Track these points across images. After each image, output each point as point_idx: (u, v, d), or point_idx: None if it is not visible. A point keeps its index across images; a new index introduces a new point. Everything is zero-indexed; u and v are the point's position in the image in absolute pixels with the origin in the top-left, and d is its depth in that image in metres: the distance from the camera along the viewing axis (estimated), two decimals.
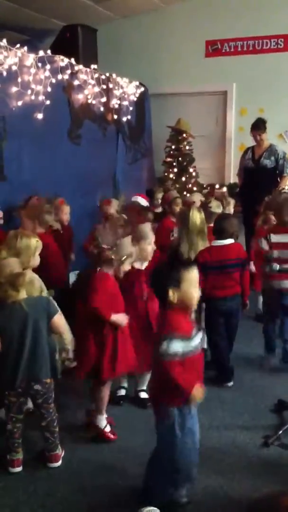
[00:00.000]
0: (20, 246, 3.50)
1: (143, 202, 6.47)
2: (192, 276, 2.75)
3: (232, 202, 6.42)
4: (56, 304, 3.33)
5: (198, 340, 2.78)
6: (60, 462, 3.33)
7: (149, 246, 3.99)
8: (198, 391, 2.71)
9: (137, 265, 3.92)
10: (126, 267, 3.60)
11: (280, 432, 3.63)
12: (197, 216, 4.62)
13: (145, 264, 4.01)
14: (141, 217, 5.12)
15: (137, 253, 3.80)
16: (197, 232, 4.61)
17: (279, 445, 3.54)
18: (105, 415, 3.65)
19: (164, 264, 3.01)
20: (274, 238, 4.71)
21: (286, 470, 3.28)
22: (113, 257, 3.47)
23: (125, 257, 3.54)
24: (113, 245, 3.48)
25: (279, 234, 4.71)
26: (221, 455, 3.44)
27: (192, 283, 2.73)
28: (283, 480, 3.13)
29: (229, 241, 4.48)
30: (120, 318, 3.51)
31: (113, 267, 3.53)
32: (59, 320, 3.25)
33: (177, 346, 2.65)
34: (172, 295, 2.70)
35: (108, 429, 3.64)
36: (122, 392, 4.21)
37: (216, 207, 5.53)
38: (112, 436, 3.62)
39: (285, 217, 4.76)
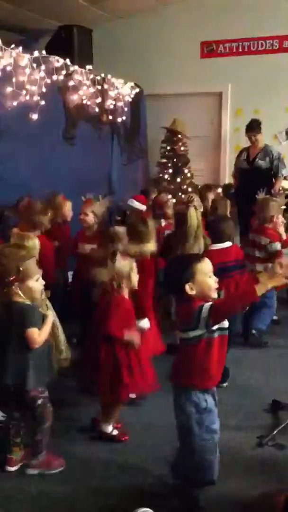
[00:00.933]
0: (29, 246, 3.50)
1: (138, 205, 6.43)
2: (205, 265, 2.73)
3: (228, 203, 6.42)
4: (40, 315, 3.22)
5: (224, 324, 2.75)
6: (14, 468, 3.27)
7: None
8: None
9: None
10: (134, 279, 3.55)
11: (275, 432, 3.62)
12: (194, 217, 4.61)
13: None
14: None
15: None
16: (194, 232, 4.61)
17: (273, 445, 3.53)
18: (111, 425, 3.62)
19: (172, 261, 2.98)
20: None
21: (281, 470, 3.27)
22: (120, 283, 3.44)
23: (128, 274, 3.51)
24: (111, 274, 3.44)
25: None
26: None
27: (206, 273, 2.71)
28: (278, 480, 3.13)
29: (228, 244, 4.47)
30: (134, 337, 3.43)
31: (126, 288, 3.48)
32: (32, 334, 3.05)
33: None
34: (190, 289, 2.67)
35: (115, 432, 3.61)
36: None
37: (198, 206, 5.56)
38: (122, 438, 3.57)
39: None
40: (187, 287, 2.66)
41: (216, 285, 2.74)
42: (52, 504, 2.97)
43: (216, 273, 4.25)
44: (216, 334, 2.71)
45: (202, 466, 2.79)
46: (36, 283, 3.08)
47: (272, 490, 2.97)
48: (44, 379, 3.14)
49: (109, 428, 3.59)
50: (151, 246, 4.13)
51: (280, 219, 5.61)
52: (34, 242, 3.62)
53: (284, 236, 5.49)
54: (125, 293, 3.47)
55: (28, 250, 3.14)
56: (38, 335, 3.02)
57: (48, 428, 3.22)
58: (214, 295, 2.75)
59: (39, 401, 3.15)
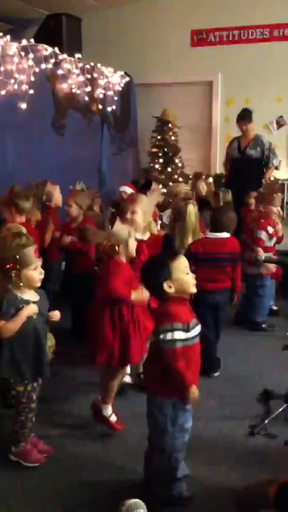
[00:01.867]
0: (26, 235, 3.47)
1: (130, 191, 6.43)
2: (180, 263, 2.74)
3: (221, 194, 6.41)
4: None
5: (198, 330, 2.77)
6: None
7: (138, 217, 3.92)
8: (195, 391, 2.71)
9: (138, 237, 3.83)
10: (132, 245, 3.53)
11: (266, 421, 3.62)
12: (193, 213, 4.59)
13: (146, 235, 3.98)
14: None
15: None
16: (192, 229, 4.59)
17: (265, 435, 3.53)
18: (110, 405, 3.60)
19: (148, 262, 2.97)
20: None
21: (273, 459, 3.27)
22: (116, 246, 3.42)
23: (126, 239, 3.49)
24: (108, 237, 3.44)
25: None
26: (208, 445, 3.43)
27: (183, 270, 2.73)
28: (270, 469, 3.12)
29: (224, 234, 4.42)
30: (140, 296, 3.38)
31: (123, 254, 3.47)
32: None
33: (179, 335, 2.65)
34: (168, 287, 2.70)
35: (114, 418, 3.58)
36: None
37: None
38: (118, 426, 3.56)
39: None
40: (165, 285, 2.69)
41: (194, 281, 2.77)
42: (44, 499, 2.95)
43: (206, 261, 4.28)
44: (189, 343, 2.71)
45: (169, 464, 2.80)
46: (34, 272, 3.05)
47: (264, 479, 2.97)
48: (24, 372, 3.10)
49: (109, 411, 3.57)
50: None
51: (275, 209, 5.64)
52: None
53: (280, 233, 5.52)
54: (123, 259, 3.47)
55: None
56: (3, 326, 2.99)
57: (24, 421, 3.19)
58: (193, 290, 2.78)
59: (13, 392, 3.14)
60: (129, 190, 6.48)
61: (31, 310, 3.05)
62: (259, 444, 3.46)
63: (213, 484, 3.05)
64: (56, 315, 3.23)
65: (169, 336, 2.65)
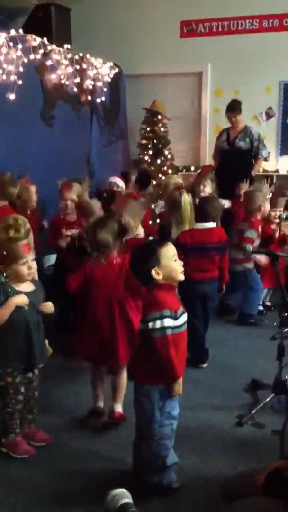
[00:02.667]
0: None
1: (121, 183, 6.44)
2: (168, 250, 2.77)
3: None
4: None
5: (184, 318, 2.79)
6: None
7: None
8: (180, 384, 2.75)
9: None
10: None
11: (254, 411, 3.66)
12: (187, 202, 4.59)
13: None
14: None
15: None
16: (188, 218, 4.60)
17: (252, 424, 3.57)
18: None
19: (137, 250, 2.99)
20: None
21: (260, 449, 3.31)
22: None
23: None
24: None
25: None
26: (196, 434, 3.46)
27: (170, 257, 2.76)
28: (257, 459, 3.16)
29: (211, 224, 4.45)
30: None
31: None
32: None
33: (167, 322, 2.67)
34: (156, 274, 2.72)
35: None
36: None
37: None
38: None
39: None
40: (153, 272, 2.72)
41: (182, 268, 2.80)
42: (32, 488, 2.97)
43: (195, 251, 4.30)
44: (177, 330, 2.73)
45: (158, 451, 2.82)
46: (22, 267, 3.04)
47: (251, 468, 3.00)
48: (12, 363, 3.12)
49: (120, 407, 3.60)
50: None
51: (273, 213, 5.65)
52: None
53: (277, 233, 5.56)
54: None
55: (13, 232, 3.04)
56: None
57: (11, 413, 3.21)
58: (181, 277, 2.81)
59: (1, 383, 3.16)
60: (119, 181, 6.46)
61: (20, 300, 3.05)
62: (246, 433, 3.50)
63: (201, 473, 3.08)
64: (47, 306, 3.22)
65: (158, 324, 2.67)
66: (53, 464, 3.18)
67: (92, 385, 3.70)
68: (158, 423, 2.78)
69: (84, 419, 3.66)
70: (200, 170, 7.36)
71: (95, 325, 3.48)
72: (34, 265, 3.12)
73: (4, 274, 3.07)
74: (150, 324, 2.68)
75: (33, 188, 5.18)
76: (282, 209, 5.76)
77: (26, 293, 3.10)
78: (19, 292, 3.07)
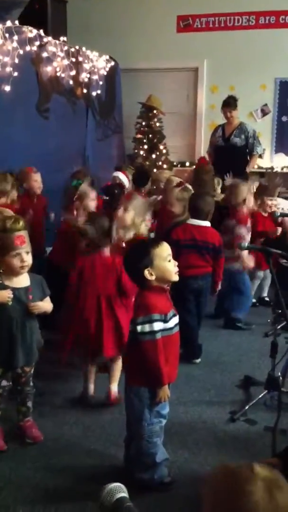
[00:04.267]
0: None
1: (124, 179, 6.35)
2: (162, 250, 2.71)
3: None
4: None
5: (175, 320, 2.76)
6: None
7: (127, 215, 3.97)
8: (165, 391, 2.72)
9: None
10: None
11: (246, 407, 3.66)
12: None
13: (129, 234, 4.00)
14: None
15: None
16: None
17: (245, 421, 3.57)
18: None
19: (130, 249, 2.97)
20: None
21: (252, 445, 3.31)
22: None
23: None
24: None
25: None
26: (188, 430, 3.46)
27: (164, 257, 2.70)
28: (249, 455, 3.16)
29: (205, 223, 4.42)
30: None
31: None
32: None
33: (156, 326, 2.64)
34: (149, 275, 2.66)
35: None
36: None
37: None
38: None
39: None
40: (146, 272, 2.66)
41: (176, 269, 2.74)
42: (21, 482, 2.95)
43: (187, 247, 4.28)
44: (168, 333, 2.70)
45: (148, 449, 2.81)
46: (14, 259, 2.96)
47: (243, 463, 3.00)
48: None
49: (116, 387, 3.68)
50: None
51: (269, 202, 5.58)
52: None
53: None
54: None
55: (10, 223, 2.97)
56: None
57: None
58: (175, 278, 2.75)
59: None
60: (122, 176, 6.38)
61: (1, 295, 2.96)
62: (239, 429, 3.50)
63: (193, 468, 3.08)
64: (36, 305, 3.08)
65: (147, 327, 2.63)
66: (44, 459, 3.15)
67: (83, 377, 3.76)
68: (147, 421, 2.77)
69: (72, 411, 3.68)
70: (195, 165, 7.34)
71: (83, 320, 3.53)
72: (28, 258, 3.02)
73: None
74: (139, 328, 2.65)
75: (34, 175, 5.13)
76: (277, 198, 5.70)
77: (14, 289, 3.01)
78: (5, 287, 2.99)
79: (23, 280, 3.08)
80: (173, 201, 4.98)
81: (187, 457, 3.18)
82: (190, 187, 5.05)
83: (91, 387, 3.76)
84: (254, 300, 5.73)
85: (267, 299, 5.90)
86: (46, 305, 3.16)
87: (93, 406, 3.70)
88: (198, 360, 4.47)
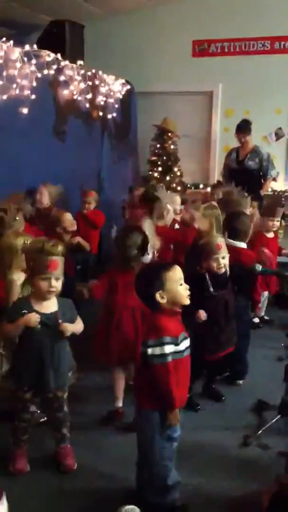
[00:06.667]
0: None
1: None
2: (175, 273, 2.69)
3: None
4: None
5: (186, 343, 2.74)
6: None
7: None
8: (175, 415, 2.70)
9: None
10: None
11: (260, 432, 3.63)
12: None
13: None
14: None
15: None
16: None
17: (258, 445, 3.54)
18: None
19: (142, 270, 2.96)
20: None
21: (265, 470, 3.27)
22: None
23: None
24: None
25: None
26: (201, 454, 3.43)
27: (176, 281, 2.68)
28: (262, 480, 3.12)
29: (240, 244, 4.38)
30: None
31: None
32: None
33: (167, 349, 2.62)
34: (161, 298, 2.65)
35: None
36: None
37: None
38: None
39: None
40: (157, 295, 2.64)
41: (187, 293, 2.71)
42: (34, 504, 2.94)
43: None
44: (170, 358, 2.66)
45: (159, 472, 2.78)
46: (43, 282, 2.95)
47: (257, 489, 2.98)
48: (21, 381, 3.10)
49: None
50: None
51: (271, 223, 5.55)
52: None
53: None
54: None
55: (49, 246, 2.94)
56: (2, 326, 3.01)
57: (16, 428, 3.21)
58: (186, 302, 2.72)
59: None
60: None
61: (29, 319, 2.94)
62: (252, 454, 3.47)
63: (206, 492, 3.05)
64: (64, 326, 3.03)
65: (158, 350, 2.62)
66: (54, 480, 3.15)
67: (114, 387, 3.83)
68: (158, 445, 2.75)
69: (105, 420, 3.75)
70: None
71: (120, 332, 3.61)
72: (57, 284, 2.99)
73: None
74: (150, 350, 2.63)
75: (44, 190, 5.30)
76: (279, 219, 5.68)
77: (42, 314, 2.99)
78: (32, 310, 2.98)
79: (51, 305, 3.05)
80: (199, 218, 4.93)
81: (200, 481, 3.15)
82: (215, 204, 5.02)
83: (120, 398, 3.82)
84: (257, 321, 5.70)
85: (266, 317, 5.86)
86: (75, 326, 3.12)
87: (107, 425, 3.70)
88: (241, 382, 4.45)
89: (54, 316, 3.02)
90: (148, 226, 4.11)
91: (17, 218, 4.35)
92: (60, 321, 3.01)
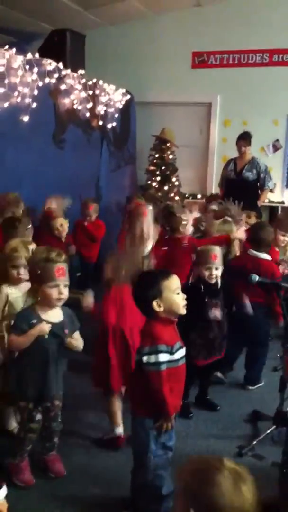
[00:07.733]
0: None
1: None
2: (172, 282, 2.69)
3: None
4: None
5: (182, 353, 2.74)
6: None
7: None
8: (169, 422, 2.70)
9: None
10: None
11: (254, 442, 3.63)
12: None
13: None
14: None
15: None
16: None
17: (253, 456, 3.54)
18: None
19: (140, 278, 2.96)
20: None
21: (259, 480, 3.26)
22: None
23: None
24: None
25: None
26: None
27: (173, 290, 2.68)
28: (258, 490, 3.12)
29: (263, 256, 4.36)
30: None
31: None
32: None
33: (162, 357, 2.62)
34: (157, 306, 2.65)
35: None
36: None
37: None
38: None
39: None
40: (154, 303, 2.64)
41: (184, 302, 2.71)
42: (26, 510, 2.94)
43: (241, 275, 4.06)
44: (164, 366, 2.65)
45: (153, 481, 2.78)
46: (52, 290, 2.94)
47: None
48: (26, 390, 3.08)
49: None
50: None
51: (282, 238, 5.45)
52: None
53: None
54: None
55: (54, 254, 2.96)
56: (10, 340, 3.00)
57: (21, 439, 3.18)
58: (183, 311, 2.72)
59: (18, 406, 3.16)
60: None
61: (40, 329, 2.94)
62: (246, 464, 3.44)
63: None
64: (77, 339, 3.07)
65: (152, 358, 2.62)
66: (49, 488, 3.14)
67: (111, 412, 3.61)
68: (153, 453, 2.74)
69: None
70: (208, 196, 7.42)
71: (128, 352, 3.43)
72: (65, 291, 3.00)
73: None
74: (145, 358, 2.63)
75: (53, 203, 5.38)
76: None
77: (51, 323, 2.99)
78: (41, 320, 2.97)
79: (57, 314, 3.06)
80: (214, 233, 4.92)
81: None
82: (230, 219, 5.04)
83: (121, 427, 3.60)
84: None
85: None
86: (79, 343, 3.12)
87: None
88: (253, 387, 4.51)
89: (62, 326, 3.03)
90: (150, 214, 4.07)
91: (29, 226, 4.37)
92: (66, 331, 3.03)
